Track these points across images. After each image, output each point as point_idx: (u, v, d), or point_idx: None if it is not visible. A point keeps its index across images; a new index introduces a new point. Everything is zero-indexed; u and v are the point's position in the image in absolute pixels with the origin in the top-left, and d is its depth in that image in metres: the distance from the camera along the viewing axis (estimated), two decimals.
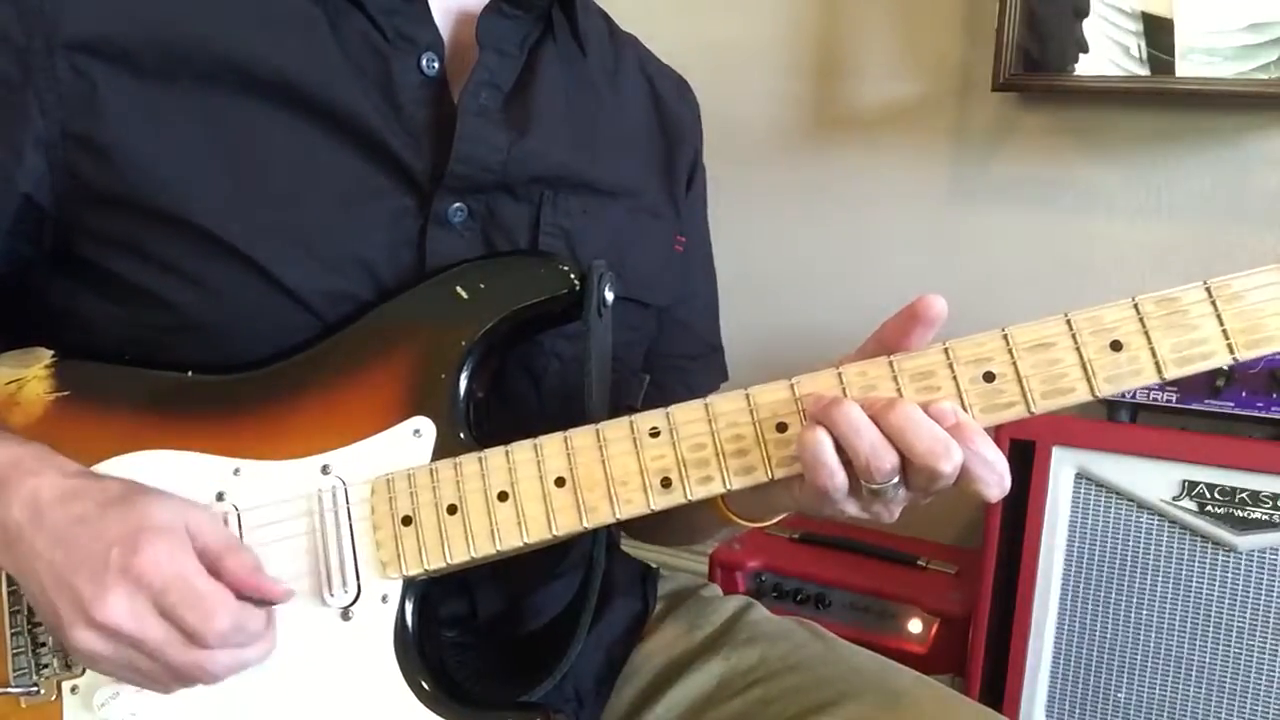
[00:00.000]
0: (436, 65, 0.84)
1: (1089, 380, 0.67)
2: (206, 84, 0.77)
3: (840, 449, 0.67)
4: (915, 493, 0.69)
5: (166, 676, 0.71)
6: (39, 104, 0.75)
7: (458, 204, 0.83)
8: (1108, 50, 1.52)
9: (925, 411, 0.67)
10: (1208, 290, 0.65)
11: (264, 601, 0.73)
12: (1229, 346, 0.65)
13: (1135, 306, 0.66)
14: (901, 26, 1.77)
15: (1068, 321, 0.67)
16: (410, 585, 0.77)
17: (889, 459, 0.66)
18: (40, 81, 0.74)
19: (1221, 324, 0.65)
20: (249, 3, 0.79)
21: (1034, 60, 1.56)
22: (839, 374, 0.70)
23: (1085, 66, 1.53)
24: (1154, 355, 0.66)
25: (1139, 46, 1.50)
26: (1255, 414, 1.35)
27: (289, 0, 0.80)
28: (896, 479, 0.68)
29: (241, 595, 0.72)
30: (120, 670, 0.71)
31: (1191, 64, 1.47)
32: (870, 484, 0.67)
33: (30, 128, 0.75)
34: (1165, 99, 1.57)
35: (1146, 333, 0.66)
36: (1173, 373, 0.66)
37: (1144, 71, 1.50)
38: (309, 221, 0.78)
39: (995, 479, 0.68)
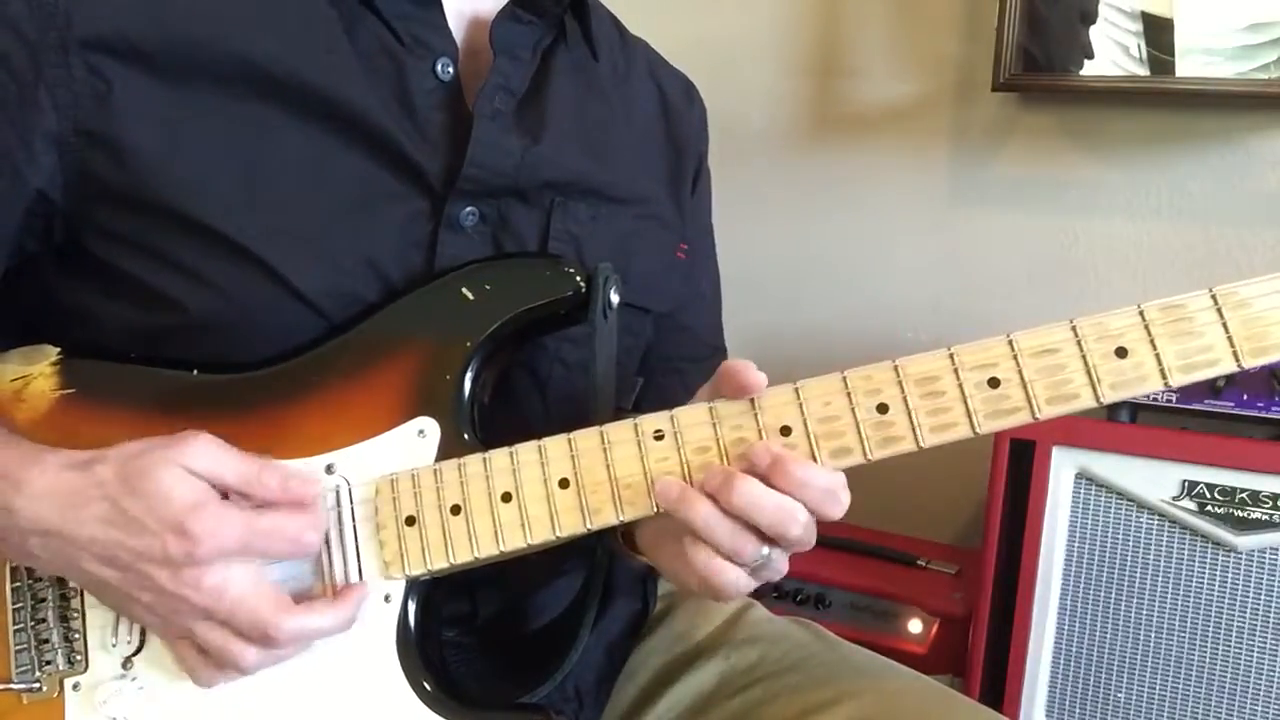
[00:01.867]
0: (451, 70, 0.84)
1: (1094, 387, 0.67)
2: (221, 85, 0.77)
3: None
4: (787, 551, 0.73)
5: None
6: (51, 100, 0.74)
7: (470, 208, 0.83)
8: (1108, 50, 1.51)
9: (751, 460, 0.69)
10: (1213, 298, 0.66)
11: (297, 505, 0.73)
12: (1235, 354, 0.65)
13: (1140, 313, 0.66)
14: (901, 26, 1.76)
15: (1073, 328, 0.67)
16: (413, 585, 0.77)
17: (749, 546, 0.70)
18: (53, 77, 0.74)
19: (1227, 331, 0.65)
20: (265, 5, 0.79)
21: (1034, 60, 1.56)
22: (844, 378, 0.71)
23: (1087, 68, 1.54)
24: (1159, 362, 0.66)
25: (1139, 47, 1.50)
26: (1255, 414, 1.35)
27: (305, 3, 0.80)
28: (765, 549, 0.71)
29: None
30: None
31: (1191, 64, 1.47)
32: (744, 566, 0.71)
33: (42, 123, 0.75)
34: (1165, 99, 1.57)
35: (1152, 340, 0.66)
36: (1178, 380, 0.66)
37: (1144, 71, 1.50)
38: (320, 224, 0.79)
39: (829, 500, 0.71)
